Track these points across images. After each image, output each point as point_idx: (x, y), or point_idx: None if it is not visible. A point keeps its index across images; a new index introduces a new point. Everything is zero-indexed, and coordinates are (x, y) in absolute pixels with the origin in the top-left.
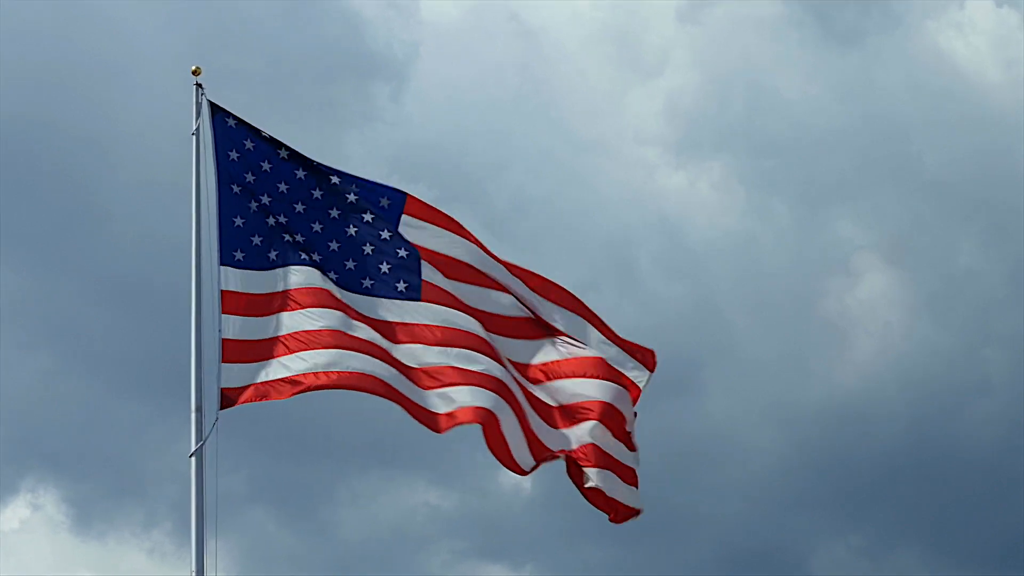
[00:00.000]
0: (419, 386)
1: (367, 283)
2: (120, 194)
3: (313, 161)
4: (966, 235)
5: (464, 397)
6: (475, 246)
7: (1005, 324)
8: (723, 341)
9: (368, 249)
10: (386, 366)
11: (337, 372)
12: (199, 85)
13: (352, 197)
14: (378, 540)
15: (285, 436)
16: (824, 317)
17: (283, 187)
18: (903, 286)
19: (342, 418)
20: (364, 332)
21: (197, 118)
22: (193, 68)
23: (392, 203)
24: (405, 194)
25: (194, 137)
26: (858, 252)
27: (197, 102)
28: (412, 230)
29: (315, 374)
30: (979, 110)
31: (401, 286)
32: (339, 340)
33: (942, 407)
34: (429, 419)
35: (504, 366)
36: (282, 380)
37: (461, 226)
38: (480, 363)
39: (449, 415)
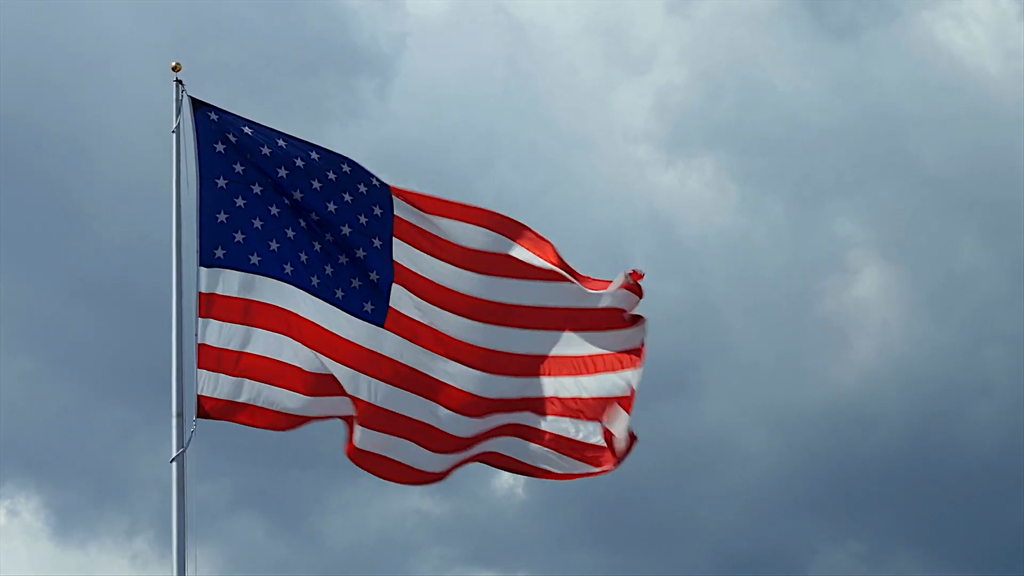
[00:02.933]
0: (371, 427)
1: (339, 294)
2: (101, 193)
3: (312, 149)
4: (966, 232)
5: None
6: (459, 250)
7: (1007, 323)
8: (718, 341)
9: (343, 259)
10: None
11: (304, 417)
12: (179, 82)
13: (353, 189)
14: (367, 547)
15: (272, 442)
16: (821, 316)
17: (283, 172)
18: (902, 284)
19: (330, 424)
20: (333, 367)
21: (177, 115)
22: (173, 64)
23: (381, 189)
24: (388, 186)
25: (174, 135)
26: (855, 250)
27: (177, 99)
28: (404, 213)
29: (284, 415)
30: (978, 103)
31: (367, 307)
32: (309, 384)
33: (943, 408)
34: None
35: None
36: (254, 407)
37: (451, 209)
38: (430, 411)
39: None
